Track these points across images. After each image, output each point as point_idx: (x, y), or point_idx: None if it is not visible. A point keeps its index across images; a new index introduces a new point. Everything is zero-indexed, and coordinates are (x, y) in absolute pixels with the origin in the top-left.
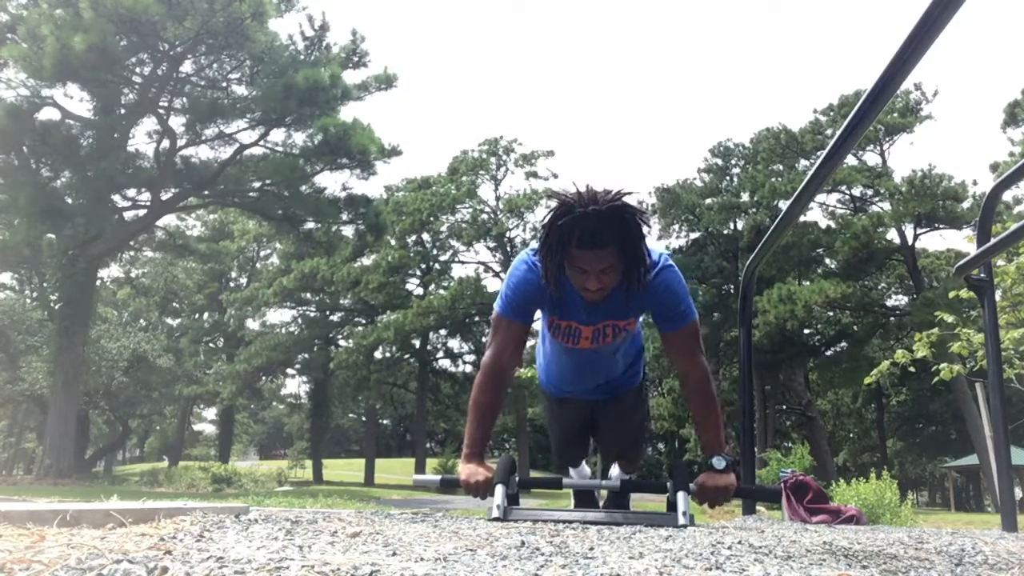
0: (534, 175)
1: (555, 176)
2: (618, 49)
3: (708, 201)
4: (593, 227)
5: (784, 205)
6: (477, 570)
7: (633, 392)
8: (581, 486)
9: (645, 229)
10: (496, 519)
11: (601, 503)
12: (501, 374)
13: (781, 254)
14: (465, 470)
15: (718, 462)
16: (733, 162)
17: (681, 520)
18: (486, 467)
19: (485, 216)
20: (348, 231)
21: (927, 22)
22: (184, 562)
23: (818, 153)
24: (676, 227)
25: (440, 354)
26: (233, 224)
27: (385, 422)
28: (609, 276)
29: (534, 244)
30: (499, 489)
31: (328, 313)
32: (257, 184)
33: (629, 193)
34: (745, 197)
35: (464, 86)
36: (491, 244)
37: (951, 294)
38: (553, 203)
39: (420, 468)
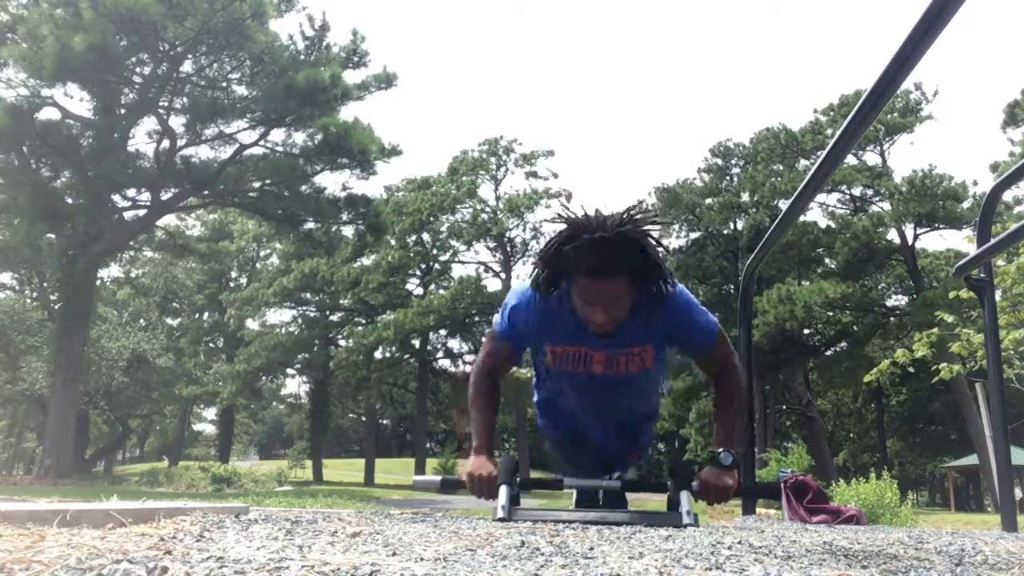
0: (534, 175)
1: (555, 176)
2: (618, 49)
3: (708, 201)
4: (601, 256)
5: (784, 205)
6: (477, 570)
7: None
8: (582, 486)
9: (661, 253)
10: (501, 519)
11: (600, 502)
12: (495, 372)
13: (781, 254)
14: (471, 464)
15: (725, 457)
16: (733, 162)
17: (686, 519)
18: (493, 462)
19: (485, 216)
20: (348, 231)
21: (927, 22)
22: (184, 562)
23: (818, 153)
24: (676, 227)
25: (440, 354)
26: (233, 224)
27: (385, 422)
28: (618, 308)
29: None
30: (503, 490)
31: (328, 313)
32: (257, 184)
33: (645, 217)
34: (745, 197)
35: (464, 86)
36: (491, 244)
37: (951, 294)
38: (559, 227)
39: (420, 468)
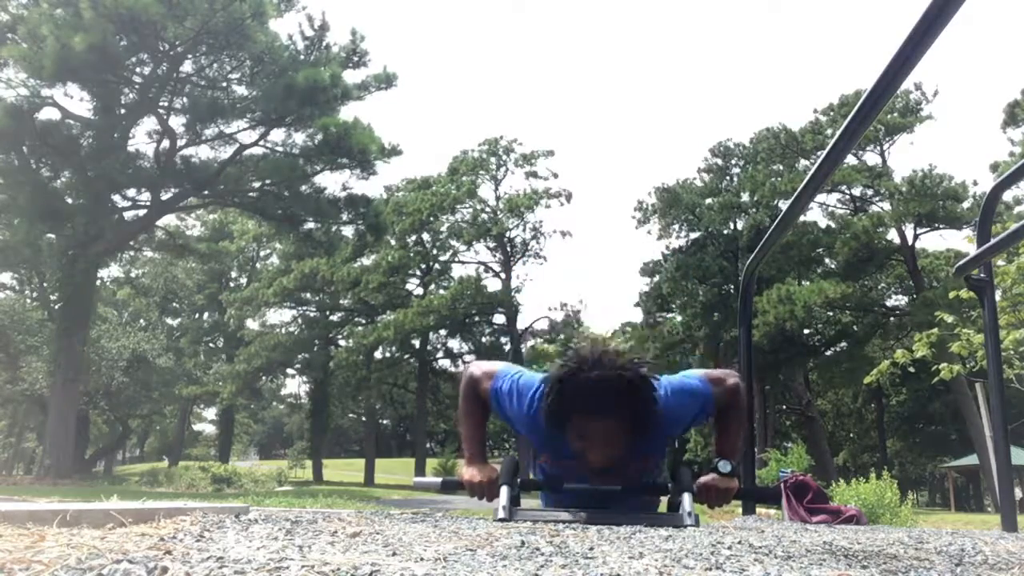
0: (534, 175)
1: (555, 176)
2: (618, 49)
3: (708, 201)
4: (598, 394)
5: (784, 205)
6: (477, 570)
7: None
8: (584, 488)
9: (654, 395)
10: (502, 519)
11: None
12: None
13: (781, 254)
14: (468, 471)
15: (724, 466)
16: (733, 162)
17: (687, 520)
18: (490, 468)
19: (485, 216)
20: (348, 231)
21: (927, 22)
22: (184, 562)
23: (818, 153)
24: (676, 227)
25: (440, 354)
26: (233, 224)
27: (385, 422)
28: (613, 446)
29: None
30: (504, 490)
31: (328, 313)
32: (257, 184)
33: (640, 362)
34: (745, 197)
35: (464, 86)
36: (491, 244)
37: (951, 294)
38: (560, 362)
39: (420, 468)
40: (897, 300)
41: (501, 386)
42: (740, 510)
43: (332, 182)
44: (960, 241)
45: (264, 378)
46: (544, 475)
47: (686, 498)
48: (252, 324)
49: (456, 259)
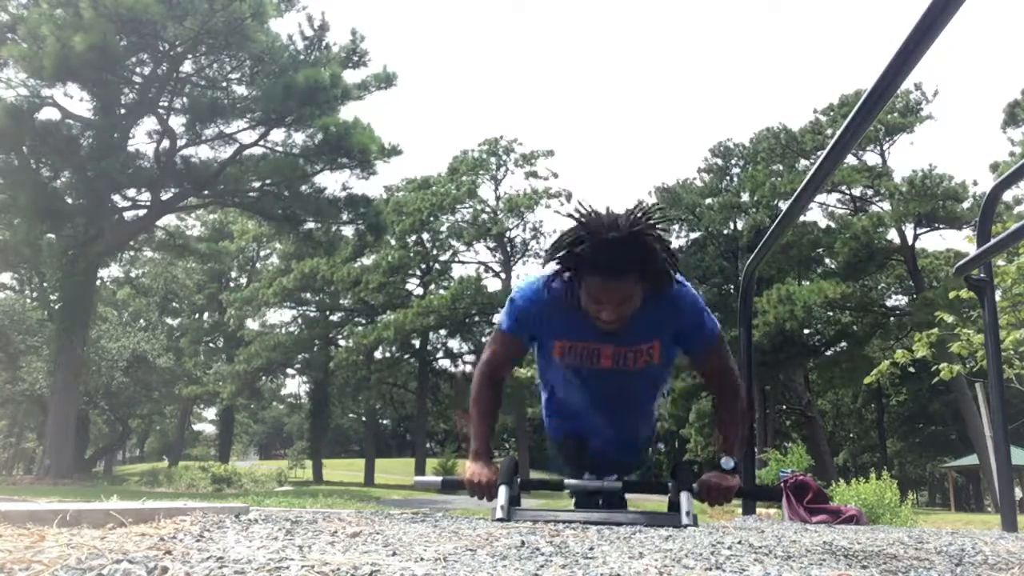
0: (534, 175)
1: (555, 176)
2: (618, 49)
3: (708, 201)
4: (612, 256)
5: (784, 205)
6: (477, 570)
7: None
8: (583, 487)
9: (670, 251)
10: (500, 519)
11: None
12: (497, 373)
13: (781, 254)
14: (470, 469)
15: (726, 463)
16: (733, 162)
17: (685, 520)
18: (492, 467)
19: (485, 216)
20: (348, 231)
21: (927, 22)
22: (184, 562)
23: (818, 153)
24: (676, 227)
25: (440, 354)
26: (233, 224)
27: (385, 422)
28: (627, 306)
29: (543, 270)
30: (503, 490)
31: (328, 313)
32: (257, 184)
33: (654, 217)
34: (745, 197)
35: (464, 86)
36: (491, 244)
37: (951, 294)
38: (568, 224)
39: (420, 468)
40: (897, 300)
41: (513, 307)
42: (740, 510)
43: (332, 182)
44: (960, 241)
45: (264, 378)
46: (557, 376)
47: (684, 498)
48: (252, 324)
49: (456, 259)
